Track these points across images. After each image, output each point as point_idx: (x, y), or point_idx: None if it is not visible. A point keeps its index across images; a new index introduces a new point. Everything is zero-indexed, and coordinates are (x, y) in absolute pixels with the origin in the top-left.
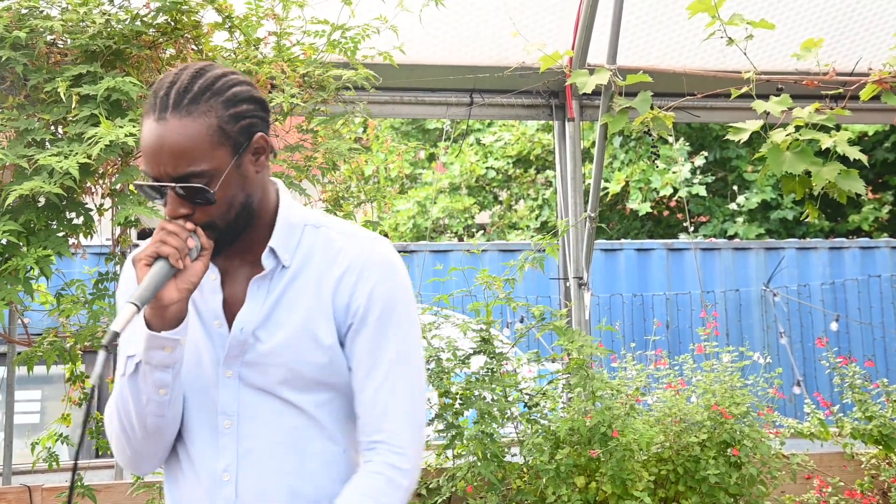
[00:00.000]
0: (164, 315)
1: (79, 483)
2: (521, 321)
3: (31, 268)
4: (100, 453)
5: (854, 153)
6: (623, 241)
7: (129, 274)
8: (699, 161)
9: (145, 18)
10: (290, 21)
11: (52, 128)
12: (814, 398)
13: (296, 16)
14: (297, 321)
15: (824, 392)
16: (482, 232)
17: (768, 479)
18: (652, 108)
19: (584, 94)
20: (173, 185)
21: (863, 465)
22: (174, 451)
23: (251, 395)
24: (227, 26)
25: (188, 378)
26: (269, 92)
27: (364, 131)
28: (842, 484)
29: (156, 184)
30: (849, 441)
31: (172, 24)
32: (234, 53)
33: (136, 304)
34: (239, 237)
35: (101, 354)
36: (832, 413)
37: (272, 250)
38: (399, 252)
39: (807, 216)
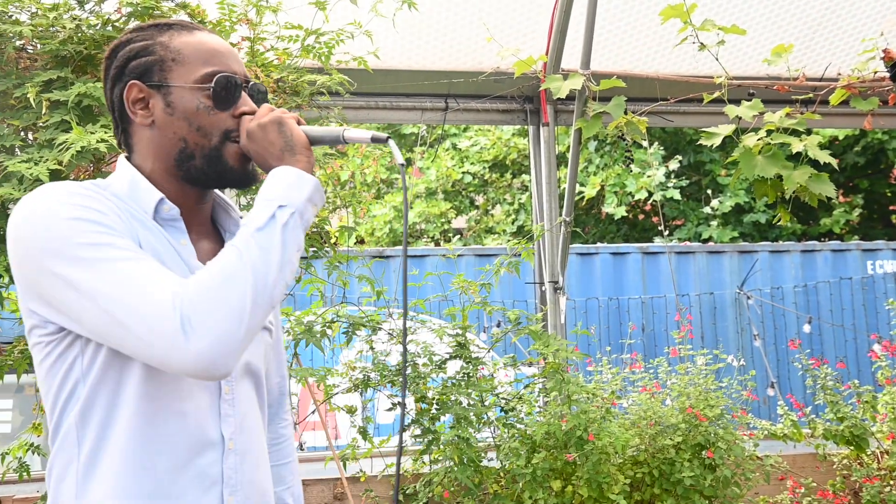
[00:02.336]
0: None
1: None
2: (498, 325)
3: (1, 275)
4: None
5: (824, 157)
6: (598, 244)
7: (95, 198)
8: (673, 165)
9: (116, 23)
10: (263, 26)
11: (22, 134)
12: (787, 400)
13: (269, 21)
14: None
15: (797, 393)
16: (459, 236)
17: (742, 481)
18: (626, 112)
19: (559, 98)
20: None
21: (835, 466)
22: (150, 409)
23: (241, 365)
24: None
25: None
26: None
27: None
28: (814, 484)
29: (252, 82)
30: (821, 442)
31: None
32: None
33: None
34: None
35: (392, 142)
36: (805, 414)
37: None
38: (375, 257)
39: (779, 219)
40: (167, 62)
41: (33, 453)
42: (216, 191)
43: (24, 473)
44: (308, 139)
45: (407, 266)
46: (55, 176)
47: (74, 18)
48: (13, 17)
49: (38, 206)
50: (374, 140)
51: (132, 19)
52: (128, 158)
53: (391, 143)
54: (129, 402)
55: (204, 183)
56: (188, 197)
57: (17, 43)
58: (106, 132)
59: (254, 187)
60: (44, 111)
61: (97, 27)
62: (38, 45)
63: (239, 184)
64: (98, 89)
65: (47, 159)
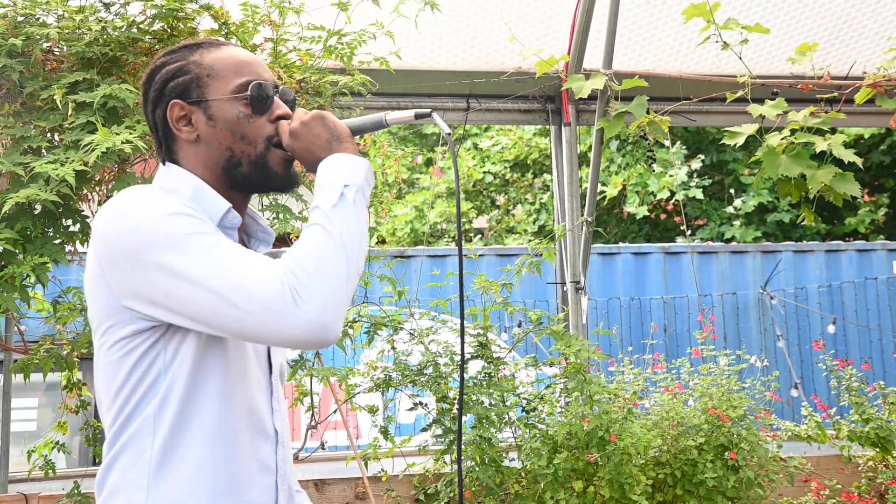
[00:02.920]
0: None
1: (75, 491)
2: (519, 325)
3: (28, 275)
4: (97, 461)
5: (849, 156)
6: (620, 244)
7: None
8: (696, 164)
9: (141, 25)
10: (286, 27)
11: (49, 135)
12: (811, 401)
13: (292, 22)
14: None
15: (821, 394)
16: (480, 236)
17: (766, 482)
18: (648, 112)
19: (581, 98)
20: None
21: (860, 468)
22: (226, 403)
23: (279, 365)
24: (223, 33)
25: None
26: None
27: (361, 136)
28: (839, 486)
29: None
30: (846, 444)
31: (168, 30)
32: None
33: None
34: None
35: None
36: (829, 416)
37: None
38: (396, 257)
39: (803, 219)
40: (203, 78)
41: (58, 451)
42: None
43: (50, 471)
44: (350, 129)
45: (461, 245)
46: (81, 177)
47: (100, 21)
48: (40, 20)
49: (131, 206)
50: (418, 116)
51: (157, 21)
52: None
53: (435, 115)
54: (208, 396)
55: (249, 189)
56: (234, 203)
57: (45, 45)
58: (131, 133)
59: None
60: (70, 112)
61: (122, 29)
62: (65, 47)
63: (282, 188)
64: (123, 90)
65: (73, 160)
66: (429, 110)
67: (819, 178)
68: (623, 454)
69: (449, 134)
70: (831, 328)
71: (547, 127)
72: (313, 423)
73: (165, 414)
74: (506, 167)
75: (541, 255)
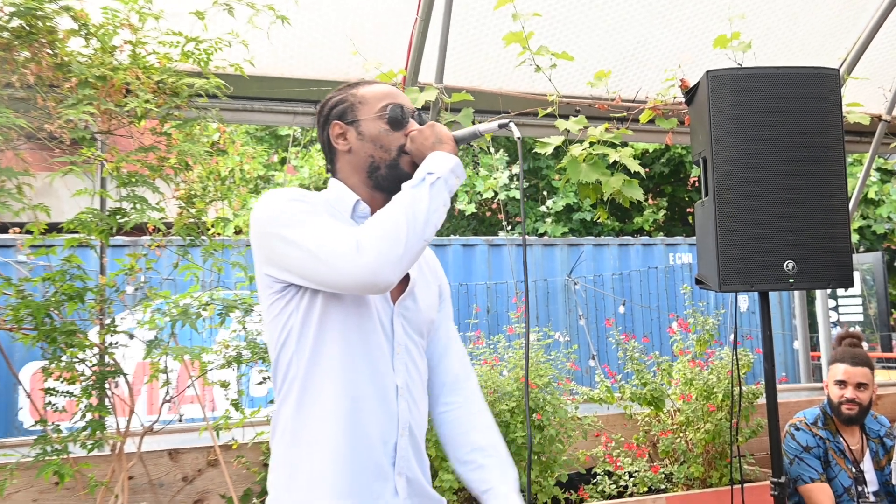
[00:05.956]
0: None
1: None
2: None
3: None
4: None
5: (634, 166)
6: (451, 237)
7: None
8: (515, 169)
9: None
10: (145, 31)
11: None
12: (603, 369)
13: (151, 27)
14: (432, 291)
15: (612, 363)
16: None
17: (565, 438)
18: (473, 122)
19: (416, 108)
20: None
21: (639, 423)
22: (357, 368)
23: (407, 335)
24: (83, 34)
25: (373, 309)
26: (124, 96)
27: (220, 137)
28: (623, 439)
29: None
30: (628, 403)
31: (27, 28)
32: (90, 59)
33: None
34: None
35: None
36: (616, 381)
37: None
38: (249, 245)
39: (598, 217)
40: (356, 105)
41: None
42: None
43: None
44: (454, 138)
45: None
46: None
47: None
48: None
49: (271, 198)
50: (501, 126)
51: (14, 19)
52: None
53: (511, 125)
54: (332, 350)
55: (387, 188)
56: (377, 202)
57: None
58: None
59: None
60: None
61: None
62: None
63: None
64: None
65: None
66: (507, 121)
67: (612, 183)
68: None
69: (520, 138)
70: (622, 309)
71: None
72: (169, 398)
73: (301, 363)
74: None
75: None
